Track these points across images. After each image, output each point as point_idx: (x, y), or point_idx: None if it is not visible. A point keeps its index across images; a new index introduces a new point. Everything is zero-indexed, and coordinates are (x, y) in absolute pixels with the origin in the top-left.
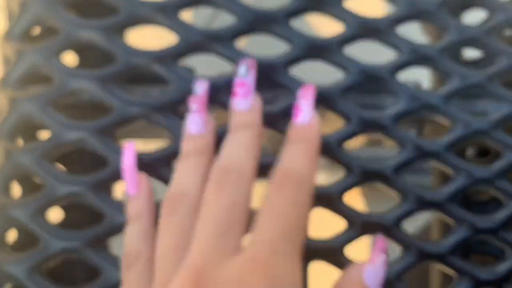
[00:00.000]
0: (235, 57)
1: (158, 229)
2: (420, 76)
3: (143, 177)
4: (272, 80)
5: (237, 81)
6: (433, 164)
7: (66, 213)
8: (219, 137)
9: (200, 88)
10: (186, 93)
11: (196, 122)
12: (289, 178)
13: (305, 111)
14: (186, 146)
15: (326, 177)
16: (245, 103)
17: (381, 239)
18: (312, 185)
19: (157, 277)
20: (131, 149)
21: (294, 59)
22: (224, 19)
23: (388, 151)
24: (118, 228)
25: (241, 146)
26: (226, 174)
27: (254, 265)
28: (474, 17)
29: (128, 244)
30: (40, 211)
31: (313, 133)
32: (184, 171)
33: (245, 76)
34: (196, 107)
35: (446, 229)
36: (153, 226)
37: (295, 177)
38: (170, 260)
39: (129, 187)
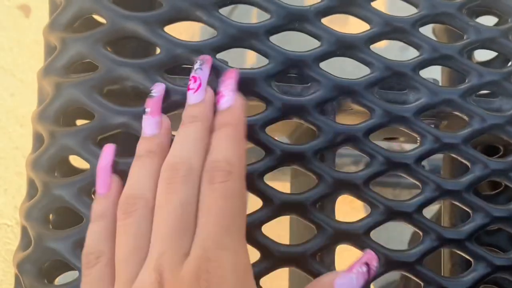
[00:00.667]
0: (269, 52)
1: (117, 232)
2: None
3: (116, 179)
4: (304, 73)
5: (191, 76)
6: (451, 156)
7: None
8: None
9: (156, 91)
10: None
11: (149, 124)
12: (217, 170)
13: (227, 96)
14: (139, 147)
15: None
16: (195, 97)
17: (370, 253)
18: (241, 169)
19: (119, 278)
20: (110, 150)
21: (324, 55)
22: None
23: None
24: None
25: (189, 140)
26: (174, 172)
27: (207, 263)
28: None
29: (89, 243)
30: (85, 191)
31: (236, 117)
32: (137, 173)
33: (198, 71)
34: (149, 109)
35: (456, 218)
36: (115, 227)
37: (223, 167)
38: (130, 262)
39: (99, 186)
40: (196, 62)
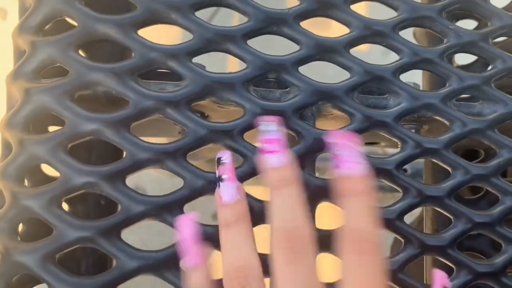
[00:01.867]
0: (246, 56)
1: None
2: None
3: (203, 249)
4: (283, 78)
5: (266, 138)
6: (432, 161)
7: (71, 206)
8: None
9: (225, 158)
10: (199, 88)
11: (229, 190)
12: (366, 241)
13: (355, 161)
14: (223, 218)
15: None
16: (279, 159)
17: (441, 275)
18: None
19: None
20: (191, 220)
21: (302, 59)
22: (223, 16)
23: (387, 150)
24: (133, 218)
25: (292, 205)
26: (292, 241)
27: None
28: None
29: None
30: (55, 201)
31: (369, 185)
32: (234, 242)
33: (272, 133)
34: (227, 176)
35: (438, 223)
36: None
37: (371, 239)
38: None
39: (189, 259)
40: (268, 124)
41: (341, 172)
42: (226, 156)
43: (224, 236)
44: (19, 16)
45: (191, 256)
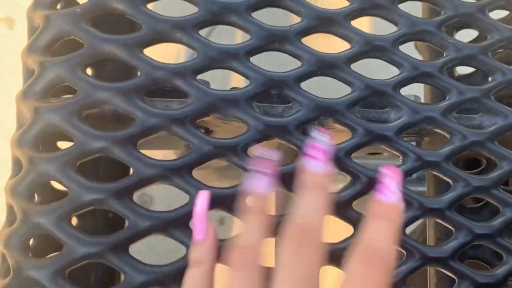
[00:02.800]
0: (249, 73)
1: (228, 281)
2: (415, 91)
3: (211, 225)
4: (285, 94)
5: (316, 145)
6: (434, 173)
7: (80, 220)
8: None
9: (270, 154)
10: (204, 106)
11: (263, 183)
12: (378, 257)
13: (392, 190)
14: (251, 203)
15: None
16: (318, 166)
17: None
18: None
19: None
20: (205, 197)
21: (304, 75)
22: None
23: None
24: (140, 234)
25: (317, 207)
26: (304, 234)
27: None
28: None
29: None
30: (65, 218)
31: (399, 216)
32: (249, 226)
33: (324, 143)
34: (265, 169)
35: (441, 232)
36: (213, 273)
37: (384, 257)
38: None
39: (197, 232)
40: (322, 135)
41: (380, 197)
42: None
43: (245, 220)
44: (28, 35)
45: (199, 230)
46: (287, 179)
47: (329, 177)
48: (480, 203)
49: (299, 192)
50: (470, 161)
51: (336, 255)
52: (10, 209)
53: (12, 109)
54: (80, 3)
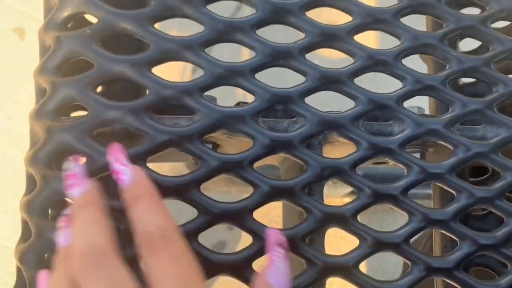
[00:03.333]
0: (255, 89)
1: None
2: (420, 102)
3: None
4: (290, 109)
5: (67, 175)
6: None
7: None
8: None
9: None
10: (211, 122)
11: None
12: (155, 240)
13: (124, 172)
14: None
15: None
16: (78, 191)
17: (273, 233)
18: (174, 230)
19: None
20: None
21: (308, 90)
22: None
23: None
24: None
25: (87, 224)
26: (89, 260)
27: None
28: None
29: None
30: None
31: (143, 187)
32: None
33: (73, 169)
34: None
35: (447, 240)
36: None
37: (159, 235)
38: None
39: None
40: (68, 163)
41: (119, 184)
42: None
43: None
44: (40, 55)
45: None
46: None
47: (96, 192)
48: (486, 211)
49: (75, 219)
50: (476, 168)
51: (342, 267)
52: (25, 225)
53: (22, 116)
54: (90, 22)
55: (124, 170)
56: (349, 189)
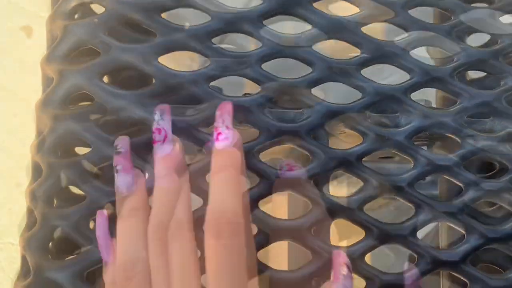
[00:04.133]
0: (261, 79)
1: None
2: (426, 95)
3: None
4: (297, 99)
5: (154, 128)
6: (445, 177)
7: None
8: None
9: (121, 145)
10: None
11: (124, 181)
12: (224, 223)
13: (223, 133)
14: (121, 207)
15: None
16: (163, 148)
17: (339, 254)
18: (243, 220)
19: None
20: (103, 219)
21: (315, 81)
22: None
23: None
24: None
25: (168, 196)
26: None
27: None
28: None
29: None
30: (83, 221)
31: (234, 158)
32: (127, 235)
33: (160, 122)
34: (121, 167)
35: (454, 234)
36: None
37: (230, 220)
38: None
39: (104, 255)
40: (156, 114)
41: (215, 145)
42: (122, 143)
43: (118, 229)
44: (47, 44)
45: (105, 252)
46: None
47: (177, 154)
48: (493, 207)
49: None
50: (483, 164)
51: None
52: (30, 214)
53: (30, 115)
54: (97, 12)
55: (224, 132)
56: (354, 189)
